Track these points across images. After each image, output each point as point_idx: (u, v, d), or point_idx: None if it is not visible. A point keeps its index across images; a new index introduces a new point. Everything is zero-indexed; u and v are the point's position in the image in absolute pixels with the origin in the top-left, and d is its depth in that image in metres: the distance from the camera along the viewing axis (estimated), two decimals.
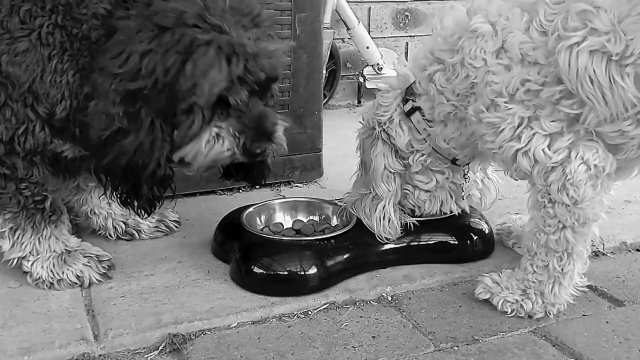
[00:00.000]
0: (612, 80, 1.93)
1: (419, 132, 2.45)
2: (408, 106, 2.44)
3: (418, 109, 2.42)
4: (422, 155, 2.49)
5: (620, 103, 1.95)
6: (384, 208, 2.48)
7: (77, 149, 2.27)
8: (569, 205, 2.10)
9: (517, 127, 2.10)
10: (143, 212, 2.19)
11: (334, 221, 2.73)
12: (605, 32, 1.92)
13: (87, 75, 2.11)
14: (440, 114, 2.34)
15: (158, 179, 2.10)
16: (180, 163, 2.15)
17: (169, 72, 1.96)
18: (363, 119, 2.60)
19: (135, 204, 2.16)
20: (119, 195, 2.16)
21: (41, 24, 2.12)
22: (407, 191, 2.57)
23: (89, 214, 2.74)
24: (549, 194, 2.12)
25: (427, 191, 2.57)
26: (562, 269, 2.19)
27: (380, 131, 2.49)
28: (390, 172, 2.49)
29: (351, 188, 2.71)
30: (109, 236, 2.74)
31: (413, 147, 2.48)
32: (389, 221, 2.49)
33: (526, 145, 2.10)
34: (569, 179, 2.07)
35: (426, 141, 2.46)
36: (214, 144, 2.08)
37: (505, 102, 2.10)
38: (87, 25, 2.11)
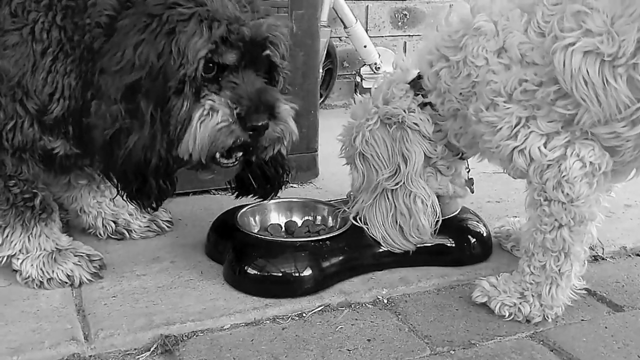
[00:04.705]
0: (605, 82, 1.96)
1: (434, 125, 2.45)
2: (419, 100, 2.44)
3: (429, 104, 2.42)
4: (442, 146, 2.49)
5: (613, 104, 1.97)
6: (423, 203, 2.46)
7: (69, 146, 2.27)
8: (564, 203, 2.12)
9: (515, 127, 2.13)
10: (150, 208, 2.20)
11: (330, 222, 2.73)
12: (598, 33, 1.94)
13: (90, 80, 2.12)
14: (450, 109, 2.36)
15: (163, 173, 2.08)
16: (184, 162, 2.11)
17: (161, 57, 1.98)
18: (370, 110, 2.53)
19: (144, 201, 2.16)
20: (128, 194, 2.15)
21: (35, 19, 2.13)
22: (430, 174, 2.54)
23: (79, 212, 2.74)
24: (545, 192, 2.14)
25: (447, 176, 2.57)
26: (559, 270, 2.20)
27: (405, 119, 2.44)
28: (429, 159, 2.48)
29: (354, 194, 2.66)
30: (98, 235, 2.75)
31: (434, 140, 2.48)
32: (431, 219, 2.48)
33: (522, 143, 2.13)
34: (564, 176, 2.09)
35: (440, 132, 2.47)
36: (209, 119, 2.01)
37: (504, 102, 2.12)
38: (90, 35, 2.12)
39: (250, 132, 2.05)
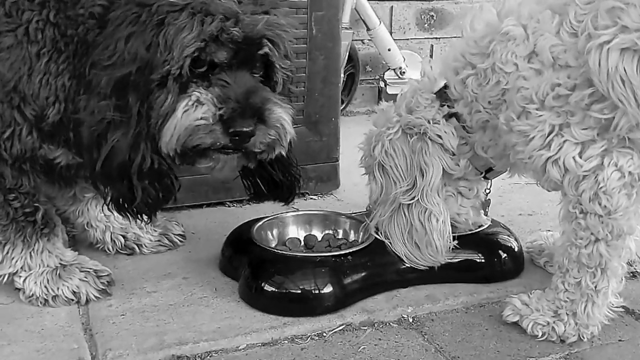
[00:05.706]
0: None
1: (459, 139, 2.43)
2: (445, 111, 2.41)
3: (455, 115, 2.40)
4: (466, 161, 2.47)
5: None
6: (437, 221, 2.44)
7: (71, 156, 2.26)
8: (601, 216, 2.08)
9: (548, 135, 2.10)
10: (143, 215, 2.14)
11: (352, 236, 2.71)
12: (635, 29, 1.91)
13: (84, 75, 2.09)
14: (478, 121, 2.33)
15: (147, 173, 2.03)
16: (171, 159, 2.06)
17: (149, 48, 1.95)
18: (391, 119, 2.51)
19: (133, 208, 2.10)
20: (116, 203, 2.11)
21: (29, 18, 2.12)
22: (450, 195, 2.54)
23: (85, 226, 2.73)
24: (581, 204, 2.11)
25: (469, 199, 2.56)
26: (595, 287, 2.17)
27: (427, 130, 2.42)
28: (448, 174, 2.46)
29: (372, 206, 2.65)
30: (107, 250, 2.73)
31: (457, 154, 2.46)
32: (445, 238, 2.45)
33: (556, 153, 2.09)
34: (601, 188, 2.05)
35: (465, 145, 2.44)
36: (192, 110, 1.97)
37: (536, 109, 2.09)
38: (84, 27, 2.10)
39: (232, 137, 2.00)
